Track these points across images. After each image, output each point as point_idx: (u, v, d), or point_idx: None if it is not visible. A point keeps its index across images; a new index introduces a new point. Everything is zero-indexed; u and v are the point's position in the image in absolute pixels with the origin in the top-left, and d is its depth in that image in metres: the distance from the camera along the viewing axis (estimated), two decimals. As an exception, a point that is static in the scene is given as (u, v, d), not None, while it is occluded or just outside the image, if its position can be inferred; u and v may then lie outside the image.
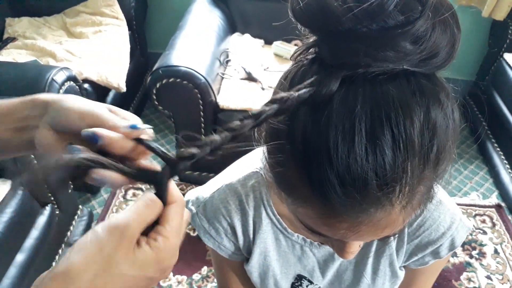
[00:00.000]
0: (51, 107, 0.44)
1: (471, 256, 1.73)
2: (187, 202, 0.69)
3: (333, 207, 0.37)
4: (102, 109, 0.43)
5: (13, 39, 1.98)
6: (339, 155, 0.34)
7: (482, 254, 1.73)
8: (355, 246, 0.49)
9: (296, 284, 0.72)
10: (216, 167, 0.71)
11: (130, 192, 1.95)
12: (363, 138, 0.34)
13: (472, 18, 2.15)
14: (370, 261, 0.67)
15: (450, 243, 0.63)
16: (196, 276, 1.62)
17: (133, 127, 0.41)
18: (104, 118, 0.42)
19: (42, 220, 1.44)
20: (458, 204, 1.99)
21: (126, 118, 0.45)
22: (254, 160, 0.66)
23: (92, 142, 0.40)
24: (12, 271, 1.29)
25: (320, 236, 0.45)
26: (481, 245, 1.77)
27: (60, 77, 1.47)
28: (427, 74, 0.37)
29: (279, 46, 2.00)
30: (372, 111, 0.34)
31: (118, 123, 0.41)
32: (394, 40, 0.34)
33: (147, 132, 0.42)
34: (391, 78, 0.35)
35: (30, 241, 1.38)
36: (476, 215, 1.90)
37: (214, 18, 2.03)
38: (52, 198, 1.49)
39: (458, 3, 2.10)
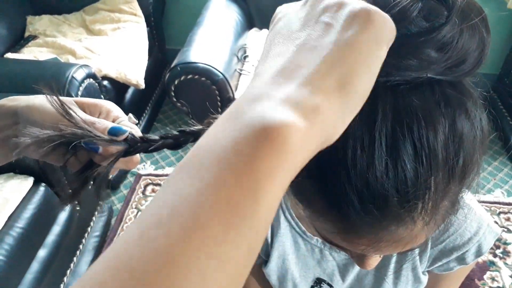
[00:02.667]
0: (22, 117, 0.43)
1: (495, 255, 1.68)
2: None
3: (352, 224, 0.36)
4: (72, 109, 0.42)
5: (34, 37, 2.01)
6: (357, 170, 0.33)
7: (506, 253, 1.69)
8: (375, 259, 0.48)
9: (316, 287, 0.71)
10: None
11: (150, 187, 1.97)
12: (383, 152, 0.32)
13: (497, 10, 2.09)
14: (392, 265, 0.65)
15: (477, 249, 0.61)
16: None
17: (114, 132, 0.40)
18: (76, 120, 0.40)
19: (63, 216, 1.47)
20: (482, 202, 1.95)
21: (98, 109, 0.44)
22: None
23: (93, 151, 0.39)
24: (35, 266, 1.32)
25: (339, 248, 0.43)
26: (506, 243, 1.72)
27: (79, 74, 1.49)
28: (453, 82, 0.35)
29: (297, 41, 1.97)
30: (393, 124, 0.32)
31: (94, 125, 0.41)
32: (418, 48, 0.32)
33: (131, 120, 0.42)
34: (414, 88, 0.33)
35: (51, 237, 1.41)
36: (500, 213, 1.85)
37: (231, 14, 2.01)
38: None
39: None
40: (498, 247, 1.71)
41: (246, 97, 0.25)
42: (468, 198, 0.60)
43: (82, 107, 0.44)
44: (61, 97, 0.44)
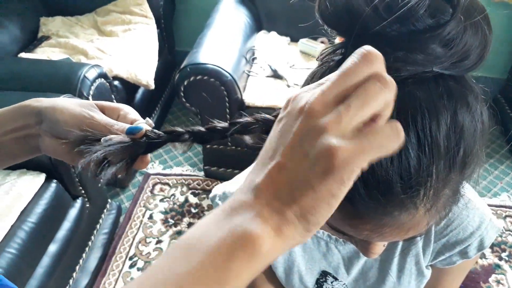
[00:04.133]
0: (45, 117, 0.45)
1: (500, 258, 1.69)
2: (214, 196, 0.70)
3: (357, 209, 0.37)
4: (93, 111, 0.45)
5: (47, 37, 2.05)
6: None
7: (512, 257, 1.69)
8: (379, 246, 0.49)
9: (321, 280, 0.73)
10: (242, 164, 0.73)
11: (158, 186, 2.00)
12: None
13: (504, 15, 2.09)
14: (396, 259, 0.67)
15: (479, 244, 0.63)
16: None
17: (131, 131, 0.42)
18: (97, 122, 0.44)
19: (73, 212, 1.49)
20: (488, 205, 1.94)
21: (117, 112, 0.47)
22: None
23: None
24: (46, 261, 1.35)
25: (343, 235, 0.45)
26: (511, 247, 1.72)
27: (91, 74, 1.52)
28: (456, 76, 0.37)
29: (305, 43, 1.99)
30: (398, 114, 0.34)
31: (113, 128, 0.44)
32: (424, 43, 0.34)
33: (148, 124, 0.44)
34: (419, 81, 0.35)
35: (62, 232, 1.43)
36: (506, 216, 1.85)
37: (240, 17, 2.04)
38: (83, 192, 1.54)
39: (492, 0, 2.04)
40: (504, 250, 1.71)
41: (236, 200, 0.29)
42: (471, 194, 0.62)
43: (102, 109, 0.47)
44: (82, 100, 0.46)
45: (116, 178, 1.81)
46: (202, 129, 0.39)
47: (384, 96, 0.27)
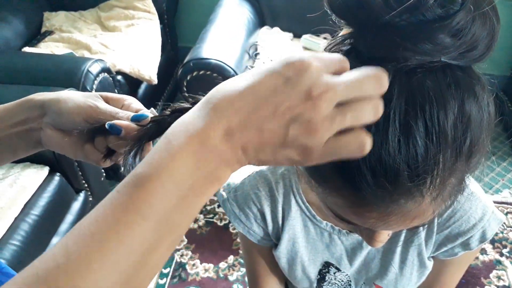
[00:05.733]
0: (49, 109, 0.45)
1: (501, 254, 1.69)
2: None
3: (364, 197, 0.38)
4: (97, 101, 0.45)
5: (50, 32, 2.06)
6: (372, 146, 0.35)
7: (513, 253, 1.69)
8: (384, 235, 0.50)
9: (324, 271, 0.73)
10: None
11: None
12: (396, 129, 0.35)
13: (509, 11, 2.09)
14: (399, 250, 0.67)
15: (481, 235, 0.63)
16: (222, 265, 1.65)
17: (136, 118, 0.43)
18: (102, 110, 0.44)
19: (76, 206, 1.50)
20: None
21: (121, 102, 0.47)
22: None
23: (116, 133, 0.42)
24: (49, 253, 1.36)
25: (349, 224, 0.45)
26: (513, 244, 1.73)
27: (95, 68, 1.52)
28: (464, 67, 0.37)
29: (308, 39, 1.99)
30: (407, 103, 0.34)
31: (118, 115, 0.44)
32: (433, 33, 0.34)
33: (153, 113, 0.45)
34: (428, 71, 0.35)
35: (65, 225, 1.44)
36: (508, 213, 1.85)
37: (243, 12, 2.04)
38: (86, 185, 1.55)
39: (494, -5, 2.04)
40: (505, 247, 1.72)
41: (208, 142, 0.32)
42: (474, 186, 0.62)
43: (106, 100, 0.47)
44: (86, 92, 0.47)
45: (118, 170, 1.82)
46: None
47: (371, 120, 0.31)
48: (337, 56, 0.32)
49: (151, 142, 0.44)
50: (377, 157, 0.35)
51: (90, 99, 0.45)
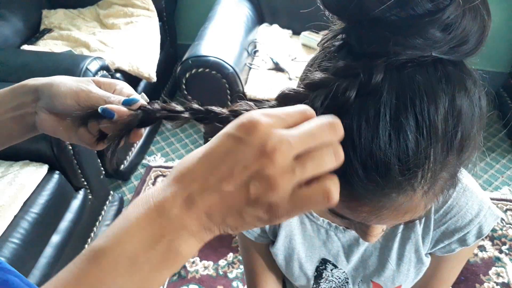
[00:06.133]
0: (42, 93, 0.46)
1: (500, 251, 1.69)
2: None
3: (355, 191, 0.38)
4: (90, 85, 0.46)
5: (49, 30, 2.05)
6: (362, 140, 0.35)
7: (512, 250, 1.70)
8: (378, 230, 0.50)
9: (321, 268, 0.73)
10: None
11: (160, 179, 2.00)
12: (387, 123, 0.35)
13: (506, 8, 2.08)
14: (395, 247, 0.67)
15: (478, 231, 0.63)
16: (222, 262, 1.65)
17: (128, 102, 0.44)
18: (94, 94, 0.45)
19: (76, 203, 1.51)
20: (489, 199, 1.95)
21: (112, 87, 0.48)
22: None
23: (109, 117, 0.43)
24: (48, 251, 1.36)
25: (342, 218, 0.46)
26: (511, 240, 1.73)
27: (93, 66, 1.52)
28: (455, 61, 0.37)
29: (307, 36, 1.99)
30: (398, 97, 0.35)
31: (110, 99, 0.45)
32: (423, 28, 0.34)
33: (143, 98, 0.45)
34: (418, 66, 0.35)
35: (64, 223, 1.44)
36: (507, 209, 1.85)
37: (242, 9, 2.04)
38: (86, 183, 1.55)
39: (494, -8, 2.03)
40: (504, 243, 1.72)
41: (165, 208, 0.31)
42: (470, 181, 0.62)
43: (98, 84, 0.48)
44: (78, 77, 0.47)
45: (118, 168, 1.82)
46: (201, 108, 0.40)
47: (333, 167, 0.31)
48: (297, 108, 0.32)
49: (142, 128, 0.45)
50: (368, 151, 0.35)
51: (83, 83, 0.46)
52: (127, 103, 0.44)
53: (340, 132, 0.31)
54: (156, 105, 0.42)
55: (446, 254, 0.68)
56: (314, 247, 0.71)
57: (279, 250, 0.72)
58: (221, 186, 0.30)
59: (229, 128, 0.31)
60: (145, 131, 0.45)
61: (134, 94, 0.47)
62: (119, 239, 0.30)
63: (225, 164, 0.30)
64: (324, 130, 0.31)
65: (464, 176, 0.43)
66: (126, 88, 0.48)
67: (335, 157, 0.31)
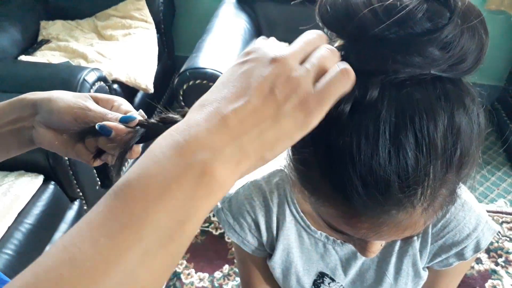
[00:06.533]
0: (40, 108, 0.46)
1: (496, 264, 1.69)
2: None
3: (355, 208, 0.38)
4: (87, 102, 0.46)
5: (47, 41, 2.06)
6: (362, 157, 0.35)
7: (508, 262, 1.69)
8: (377, 246, 0.50)
9: (318, 281, 0.73)
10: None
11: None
12: (386, 141, 0.35)
13: (501, 23, 2.11)
14: (393, 260, 0.67)
15: (475, 245, 0.63)
16: (217, 274, 1.64)
17: (125, 119, 0.44)
18: (92, 112, 0.45)
19: (71, 214, 1.50)
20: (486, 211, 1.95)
21: (110, 103, 0.48)
22: (279, 158, 0.67)
23: (106, 134, 0.43)
24: (42, 263, 1.34)
25: (341, 234, 0.46)
26: (508, 252, 1.73)
27: (91, 77, 1.53)
28: (453, 79, 0.37)
29: (304, 49, 2.01)
30: (397, 115, 0.35)
31: (107, 116, 0.45)
32: (422, 46, 0.34)
33: (141, 115, 0.45)
34: (417, 83, 0.36)
35: (59, 234, 1.43)
36: (503, 222, 1.86)
37: (240, 22, 2.05)
38: (81, 194, 1.55)
39: (487, 7, 2.06)
40: (500, 256, 1.72)
41: (193, 135, 0.29)
42: (467, 196, 0.63)
43: (96, 101, 0.48)
44: (76, 92, 0.47)
45: (114, 179, 1.81)
46: None
47: (333, 58, 0.34)
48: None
49: (140, 145, 0.45)
50: (368, 168, 0.35)
51: (81, 99, 0.46)
52: (124, 120, 0.43)
53: (323, 36, 0.36)
54: (153, 120, 0.42)
55: (444, 268, 0.67)
56: (312, 260, 0.71)
57: (276, 264, 0.72)
58: (248, 100, 0.30)
59: (234, 61, 0.33)
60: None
61: (132, 111, 0.47)
62: (145, 171, 0.28)
63: (244, 80, 0.31)
64: (314, 38, 0.35)
65: (462, 190, 0.43)
66: (124, 105, 0.48)
67: (329, 49, 0.34)
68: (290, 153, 0.44)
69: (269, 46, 0.33)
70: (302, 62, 0.33)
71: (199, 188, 0.28)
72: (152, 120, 0.42)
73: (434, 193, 0.38)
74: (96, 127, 0.43)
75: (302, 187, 0.44)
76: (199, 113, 0.30)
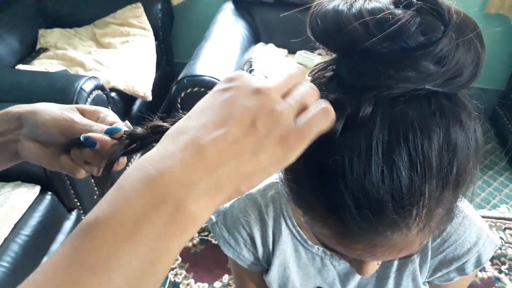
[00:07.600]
0: (25, 121, 0.45)
1: (500, 271, 1.67)
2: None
3: (349, 228, 0.36)
4: (73, 114, 0.45)
5: (45, 49, 2.05)
6: (354, 176, 0.34)
7: (511, 269, 1.67)
8: (373, 266, 0.48)
9: (316, 296, 0.71)
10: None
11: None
12: (379, 159, 0.33)
13: (501, 27, 2.10)
14: (393, 276, 0.65)
15: (476, 260, 0.62)
16: (217, 284, 1.62)
17: (110, 131, 0.43)
18: (77, 124, 0.44)
19: (68, 225, 1.48)
20: (487, 217, 1.93)
21: (96, 114, 0.47)
22: None
23: (90, 146, 0.42)
24: (39, 275, 1.33)
25: (337, 253, 0.44)
26: (511, 259, 1.71)
27: (88, 86, 1.51)
28: (449, 94, 0.36)
29: (302, 55, 2.00)
30: (390, 132, 0.33)
31: (92, 128, 0.44)
32: (416, 61, 0.33)
33: (127, 127, 0.44)
34: (411, 99, 0.34)
35: (56, 245, 1.42)
36: (505, 228, 1.83)
37: (238, 29, 2.05)
38: (79, 204, 1.53)
39: (487, 11, 2.05)
40: (503, 263, 1.69)
41: (167, 166, 0.28)
42: (468, 209, 0.61)
43: (82, 112, 0.47)
44: (62, 104, 0.46)
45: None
46: None
47: (315, 95, 0.34)
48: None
49: (125, 157, 0.44)
50: (360, 188, 0.34)
51: (66, 111, 0.45)
52: (110, 132, 0.43)
53: (305, 73, 0.36)
54: (141, 130, 0.41)
55: (445, 283, 0.66)
56: (309, 275, 0.69)
57: (273, 279, 0.70)
58: (229, 130, 0.29)
59: (215, 87, 0.32)
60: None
61: (117, 122, 0.46)
62: (114, 208, 0.26)
63: (225, 109, 0.30)
64: (295, 74, 0.34)
65: (462, 202, 0.42)
66: (110, 116, 0.47)
67: (310, 87, 0.34)
68: (282, 170, 0.43)
69: (249, 76, 0.32)
70: (284, 96, 0.32)
71: (172, 226, 0.26)
72: (139, 131, 0.41)
73: (430, 213, 0.36)
74: (81, 138, 0.42)
75: (295, 205, 0.43)
76: (174, 143, 0.29)
